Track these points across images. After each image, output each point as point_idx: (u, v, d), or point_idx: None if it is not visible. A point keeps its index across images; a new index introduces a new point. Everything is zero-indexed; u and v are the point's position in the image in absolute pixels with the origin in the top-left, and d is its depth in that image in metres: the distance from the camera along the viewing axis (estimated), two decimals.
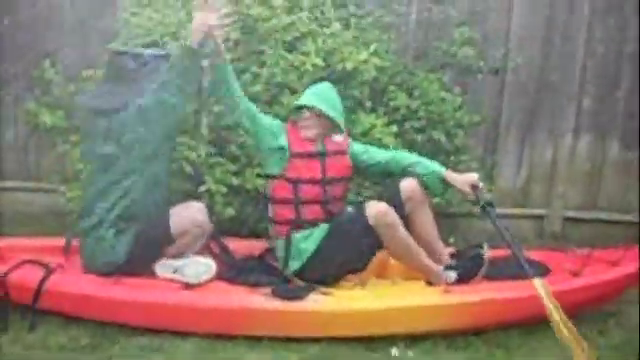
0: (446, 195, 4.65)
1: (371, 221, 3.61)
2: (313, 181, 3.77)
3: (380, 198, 3.74)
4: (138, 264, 3.68)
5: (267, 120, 3.83)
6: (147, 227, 3.68)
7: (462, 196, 4.17)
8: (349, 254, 3.71)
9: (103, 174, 3.67)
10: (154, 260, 3.73)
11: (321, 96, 3.85)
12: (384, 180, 4.08)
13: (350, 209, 3.87)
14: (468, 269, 3.80)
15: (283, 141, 3.77)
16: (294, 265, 3.75)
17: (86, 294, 3.52)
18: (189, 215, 3.73)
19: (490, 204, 3.77)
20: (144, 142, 3.64)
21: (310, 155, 3.80)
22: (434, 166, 3.91)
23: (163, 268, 3.70)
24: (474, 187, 3.82)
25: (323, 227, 3.75)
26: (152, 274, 3.71)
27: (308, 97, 3.85)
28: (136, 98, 3.64)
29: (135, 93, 3.67)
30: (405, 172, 3.88)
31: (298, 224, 3.77)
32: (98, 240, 3.65)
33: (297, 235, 3.75)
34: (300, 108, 3.86)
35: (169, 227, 3.69)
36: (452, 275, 3.78)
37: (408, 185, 3.81)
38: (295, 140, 3.79)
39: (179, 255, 3.73)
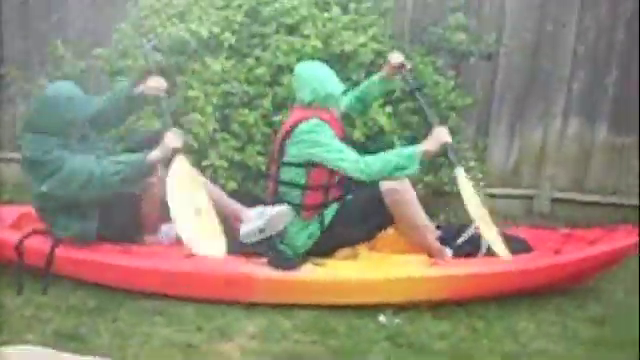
0: (439, 174, 4.86)
1: (384, 197, 3.77)
2: None
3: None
4: (117, 228, 3.85)
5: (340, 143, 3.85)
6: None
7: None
8: (359, 228, 3.89)
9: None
10: (132, 223, 3.91)
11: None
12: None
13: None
14: (467, 251, 4.01)
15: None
16: (309, 243, 3.91)
17: (94, 260, 3.73)
18: None
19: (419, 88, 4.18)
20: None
21: (344, 138, 3.95)
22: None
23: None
24: (401, 66, 4.08)
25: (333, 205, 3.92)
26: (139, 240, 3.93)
27: (338, 85, 3.97)
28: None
29: None
30: (362, 96, 4.19)
31: (326, 204, 3.91)
32: (64, 224, 3.79)
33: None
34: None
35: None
36: (448, 251, 3.98)
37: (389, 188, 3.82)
38: (337, 130, 3.90)
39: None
